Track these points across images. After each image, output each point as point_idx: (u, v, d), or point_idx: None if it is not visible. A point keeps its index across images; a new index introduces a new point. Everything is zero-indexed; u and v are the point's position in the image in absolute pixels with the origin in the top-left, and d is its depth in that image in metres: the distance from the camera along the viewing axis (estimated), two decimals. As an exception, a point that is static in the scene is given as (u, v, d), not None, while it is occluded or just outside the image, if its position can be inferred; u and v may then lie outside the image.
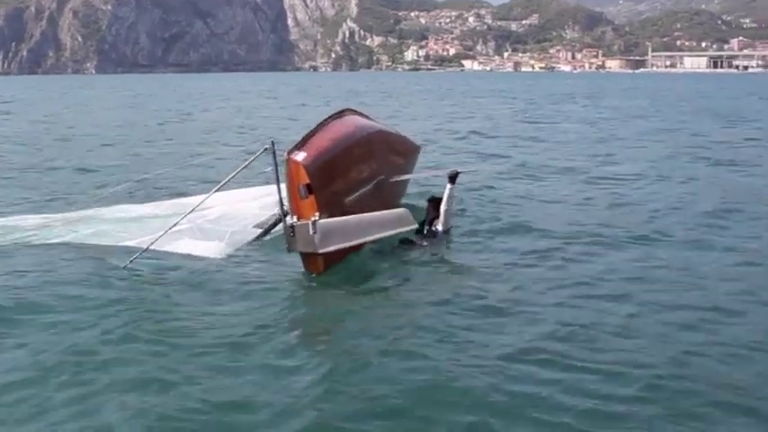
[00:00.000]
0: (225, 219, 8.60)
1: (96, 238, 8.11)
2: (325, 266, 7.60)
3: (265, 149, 7.47)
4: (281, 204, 7.54)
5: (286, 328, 6.06)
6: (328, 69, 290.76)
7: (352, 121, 9.16)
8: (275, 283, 7.37)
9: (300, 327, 6.17)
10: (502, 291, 6.76)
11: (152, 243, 7.59)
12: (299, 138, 7.89)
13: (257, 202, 9.21)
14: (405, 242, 8.54)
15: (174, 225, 7.81)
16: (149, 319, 6.23)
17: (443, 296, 6.63)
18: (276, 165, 7.44)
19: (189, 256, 7.68)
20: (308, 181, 7.45)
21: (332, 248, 7.42)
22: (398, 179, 9.51)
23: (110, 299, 6.70)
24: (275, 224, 8.06)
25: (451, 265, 7.92)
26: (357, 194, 8.27)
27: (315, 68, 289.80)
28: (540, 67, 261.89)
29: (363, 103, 39.77)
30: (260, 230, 8.26)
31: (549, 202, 11.72)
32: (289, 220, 7.50)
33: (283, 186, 7.43)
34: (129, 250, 7.78)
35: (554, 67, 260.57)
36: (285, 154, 7.43)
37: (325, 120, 8.55)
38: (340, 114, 9.02)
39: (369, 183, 8.66)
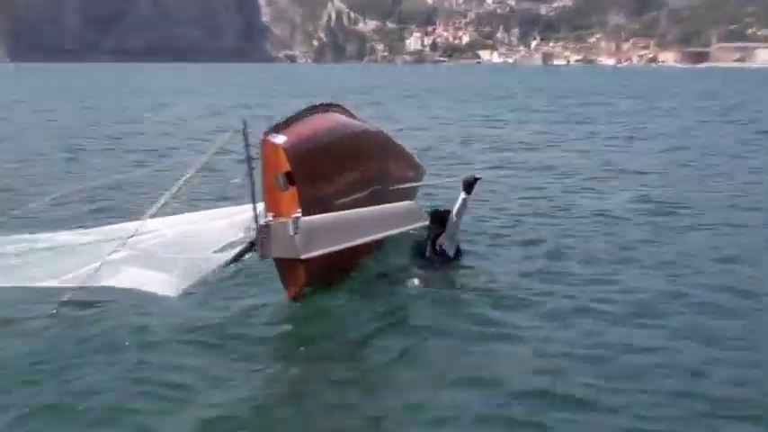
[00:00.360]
0: (181, 243, 8.40)
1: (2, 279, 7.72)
2: (308, 281, 7.56)
3: (236, 131, 7.37)
4: (254, 202, 7.36)
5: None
6: (309, 60, 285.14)
7: (339, 118, 9.22)
8: (244, 329, 7.10)
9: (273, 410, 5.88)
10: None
11: (83, 280, 7.39)
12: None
13: (225, 222, 8.88)
14: (402, 273, 8.41)
15: (112, 253, 7.68)
16: (78, 392, 6.02)
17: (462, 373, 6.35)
18: (249, 151, 7.28)
19: (131, 294, 7.45)
20: (288, 168, 7.42)
21: (317, 253, 7.39)
22: (399, 187, 9.59)
23: (26, 365, 6.49)
24: (251, 246, 7.72)
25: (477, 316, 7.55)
26: (348, 200, 8.26)
27: (292, 59, 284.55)
28: (577, 60, 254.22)
29: (378, 108, 37.30)
30: (229, 256, 7.92)
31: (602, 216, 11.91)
32: (261, 219, 7.44)
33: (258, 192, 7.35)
34: (48, 292, 7.55)
35: (593, 60, 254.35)
36: (261, 135, 7.39)
37: (307, 110, 8.52)
38: (325, 108, 9.08)
39: (362, 191, 8.68)
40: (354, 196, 8.43)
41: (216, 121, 29.37)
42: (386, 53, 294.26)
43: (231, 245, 8.03)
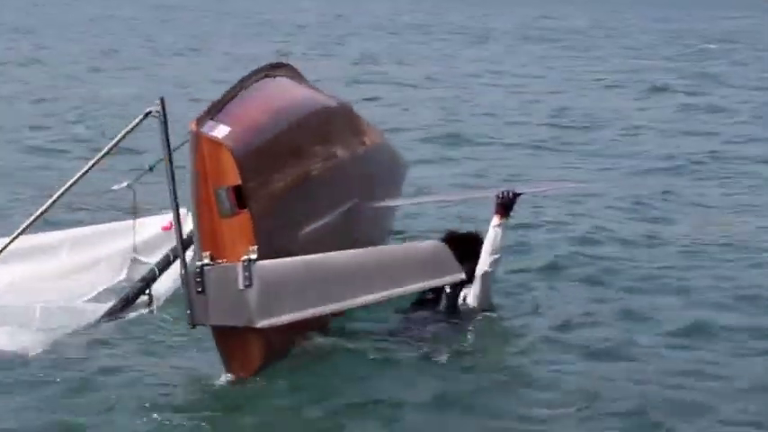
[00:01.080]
0: (38, 283, 7.50)
1: None
2: (266, 359, 5.97)
3: (148, 114, 6.14)
4: (178, 225, 6.02)
5: None
6: None
7: (294, 89, 7.07)
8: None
9: None
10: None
11: None
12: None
13: (111, 247, 7.68)
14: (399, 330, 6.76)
15: None
16: None
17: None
18: (169, 145, 5.98)
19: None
20: (237, 180, 5.72)
21: (283, 320, 5.78)
22: (386, 204, 7.83)
23: None
24: (149, 283, 6.93)
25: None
26: (319, 223, 6.57)
27: None
28: None
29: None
30: (112, 303, 7.01)
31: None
32: (192, 258, 6.01)
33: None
34: None
35: None
36: (191, 125, 5.68)
37: (249, 77, 6.51)
38: (271, 73, 6.85)
39: (335, 208, 6.83)
40: (326, 219, 6.65)
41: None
42: None
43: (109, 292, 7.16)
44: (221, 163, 5.69)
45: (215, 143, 5.64)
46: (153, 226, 7.22)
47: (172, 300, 7.00)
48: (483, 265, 6.69)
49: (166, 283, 7.08)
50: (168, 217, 7.04)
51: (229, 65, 24.12)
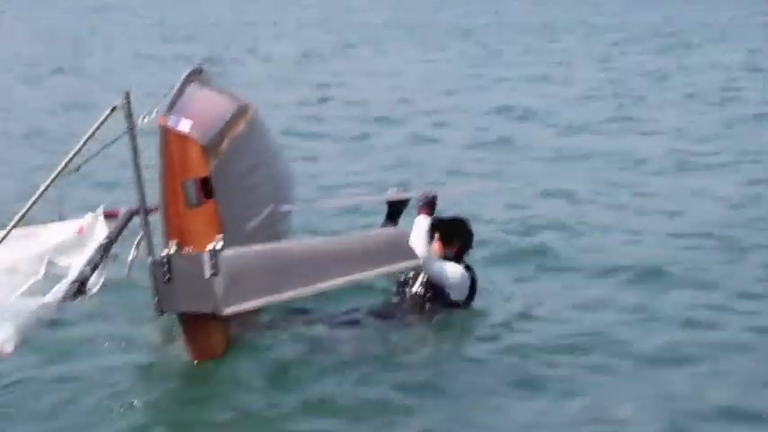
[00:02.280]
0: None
1: None
2: (228, 345, 6.28)
3: (114, 109, 6.10)
4: (144, 212, 6.07)
5: None
6: None
7: (222, 92, 7.18)
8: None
9: None
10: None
11: None
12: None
13: (27, 250, 7.42)
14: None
15: None
16: None
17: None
18: (135, 139, 5.97)
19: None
20: (205, 172, 5.97)
21: (248, 306, 5.99)
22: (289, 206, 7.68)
23: None
24: (97, 263, 6.58)
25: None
26: (258, 219, 6.78)
27: None
28: None
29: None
30: (63, 287, 6.70)
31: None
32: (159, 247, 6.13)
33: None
34: None
35: None
36: (160, 120, 5.93)
37: (187, 78, 6.60)
38: (197, 78, 6.86)
39: (263, 208, 6.96)
40: (261, 217, 6.84)
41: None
42: None
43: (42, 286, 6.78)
44: (189, 155, 5.90)
45: (183, 137, 5.84)
46: (68, 229, 7.24)
47: (103, 290, 7.04)
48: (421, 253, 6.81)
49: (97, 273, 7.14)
50: (80, 221, 7.33)
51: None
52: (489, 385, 6.12)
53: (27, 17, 43.96)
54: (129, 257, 7.22)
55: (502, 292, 7.70)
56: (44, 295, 6.79)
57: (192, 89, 6.49)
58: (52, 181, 6.57)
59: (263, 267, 6.04)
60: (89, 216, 7.38)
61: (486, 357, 6.52)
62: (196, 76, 6.83)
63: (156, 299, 5.89)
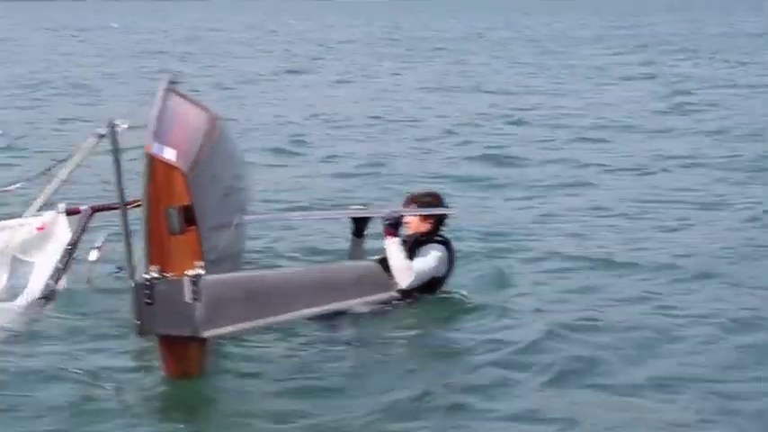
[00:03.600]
0: None
1: None
2: (204, 364, 6.49)
3: (101, 136, 6.80)
4: (127, 241, 6.32)
5: None
6: None
7: (194, 105, 7.67)
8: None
9: None
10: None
11: None
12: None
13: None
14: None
15: None
16: None
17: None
18: (120, 166, 6.32)
19: None
20: (187, 200, 6.18)
21: (226, 331, 6.33)
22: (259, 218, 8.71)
23: None
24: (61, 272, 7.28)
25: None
26: (227, 239, 7.17)
27: None
28: None
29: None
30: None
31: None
32: (140, 271, 6.31)
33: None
34: None
35: None
36: (147, 148, 6.10)
37: (164, 97, 6.95)
38: (171, 88, 7.31)
39: (233, 218, 7.41)
40: (229, 230, 7.25)
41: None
42: None
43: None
44: (173, 184, 6.09)
45: (168, 165, 6.03)
46: (30, 226, 7.47)
47: (69, 298, 7.40)
48: (400, 281, 7.15)
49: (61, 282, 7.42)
50: (41, 219, 7.68)
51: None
52: (472, 383, 6.25)
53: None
54: (90, 258, 7.61)
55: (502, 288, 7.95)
56: (10, 300, 7.18)
57: (169, 105, 6.77)
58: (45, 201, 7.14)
59: (242, 294, 6.30)
60: (50, 213, 7.67)
61: (473, 354, 6.69)
62: (172, 88, 7.08)
63: (138, 321, 6.10)
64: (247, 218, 7.86)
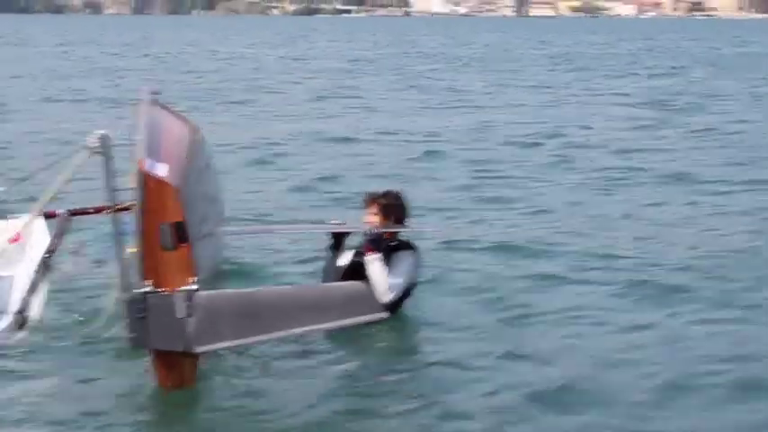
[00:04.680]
0: None
1: None
2: (194, 377, 6.75)
3: (92, 150, 6.69)
4: (119, 253, 6.53)
5: None
6: (126, 11, 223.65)
7: (170, 115, 8.19)
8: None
9: None
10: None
11: None
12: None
13: None
14: None
15: None
16: None
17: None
18: (112, 181, 6.60)
19: None
20: (181, 217, 6.41)
21: (218, 346, 6.58)
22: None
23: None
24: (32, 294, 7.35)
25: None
26: (210, 249, 7.68)
27: (96, 7, 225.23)
28: (575, 9, 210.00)
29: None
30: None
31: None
32: (132, 286, 6.54)
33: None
34: None
35: (598, 9, 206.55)
36: (140, 164, 6.30)
37: (151, 111, 7.45)
38: (154, 101, 7.79)
39: (216, 228, 8.09)
40: (208, 235, 7.67)
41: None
42: None
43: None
44: (166, 200, 6.35)
45: (160, 181, 6.28)
46: (3, 236, 7.60)
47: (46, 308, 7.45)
48: (382, 297, 7.34)
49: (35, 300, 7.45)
50: (13, 228, 7.69)
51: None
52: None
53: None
54: (66, 267, 7.64)
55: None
56: None
57: (155, 118, 7.24)
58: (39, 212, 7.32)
59: (234, 311, 6.62)
60: (26, 217, 7.76)
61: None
62: (154, 100, 7.55)
63: (131, 335, 6.36)
64: (229, 230, 8.65)
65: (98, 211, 8.13)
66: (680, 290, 8.84)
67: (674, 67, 43.48)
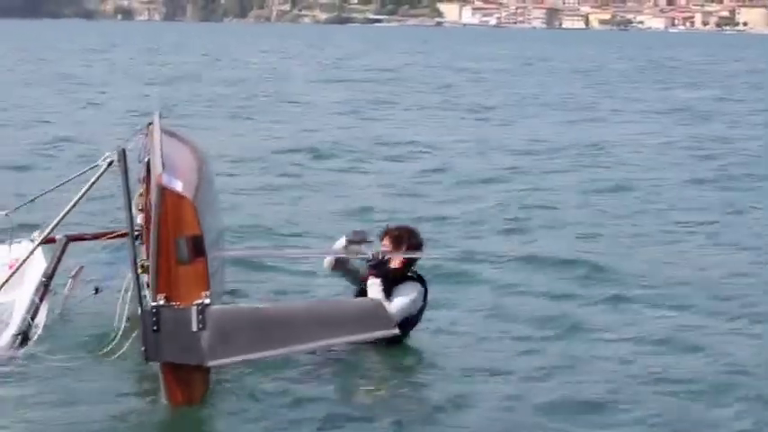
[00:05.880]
0: None
1: None
2: (206, 390, 6.53)
3: (110, 163, 6.84)
4: (134, 266, 6.60)
5: None
6: (157, 16, 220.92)
7: (181, 136, 8.23)
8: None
9: None
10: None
11: None
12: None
13: None
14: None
15: None
16: None
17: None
18: (129, 195, 6.65)
19: None
20: (197, 231, 6.22)
21: (231, 361, 6.43)
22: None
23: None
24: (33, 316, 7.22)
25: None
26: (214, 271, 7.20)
27: (127, 14, 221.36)
28: (603, 21, 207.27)
29: None
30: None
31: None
32: (147, 299, 6.36)
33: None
34: None
35: (629, 21, 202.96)
36: (159, 179, 6.22)
37: (164, 131, 7.35)
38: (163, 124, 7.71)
39: (217, 244, 7.74)
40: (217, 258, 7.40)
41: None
42: (285, 6, 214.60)
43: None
44: (183, 214, 6.15)
45: (179, 195, 6.15)
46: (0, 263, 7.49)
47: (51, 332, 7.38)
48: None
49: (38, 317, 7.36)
50: (12, 254, 7.70)
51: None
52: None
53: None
54: (65, 291, 7.63)
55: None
56: None
57: (167, 137, 7.07)
58: (52, 229, 7.24)
59: (248, 325, 6.41)
60: (25, 243, 7.73)
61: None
62: (163, 124, 7.34)
63: (144, 348, 6.15)
64: (239, 252, 8.37)
65: (96, 237, 8.12)
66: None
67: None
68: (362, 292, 7.67)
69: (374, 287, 7.48)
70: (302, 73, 45.80)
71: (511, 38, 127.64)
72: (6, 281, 7.45)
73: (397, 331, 6.93)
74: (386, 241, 7.70)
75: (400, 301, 7.48)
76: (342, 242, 7.68)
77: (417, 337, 7.61)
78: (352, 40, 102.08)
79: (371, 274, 7.51)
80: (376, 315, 6.76)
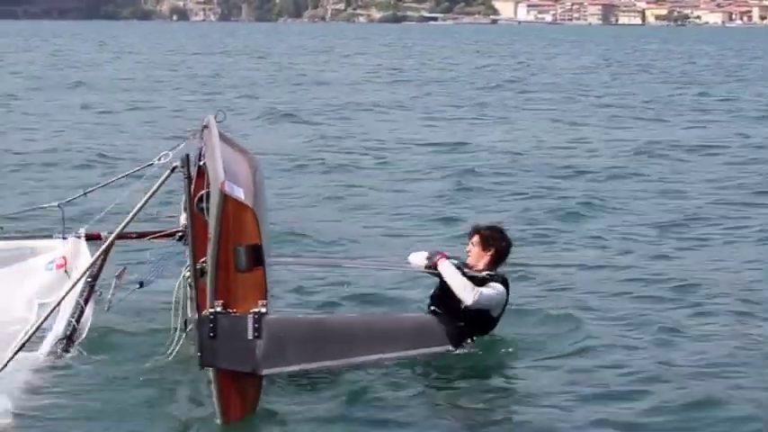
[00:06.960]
0: None
1: None
2: (257, 401, 6.44)
3: (173, 169, 6.77)
4: (195, 277, 6.51)
5: None
6: (213, 17, 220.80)
7: (234, 141, 7.91)
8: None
9: None
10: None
11: None
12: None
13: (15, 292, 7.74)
14: None
15: None
16: None
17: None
18: (192, 203, 6.60)
19: None
20: (257, 240, 6.14)
21: (285, 370, 6.49)
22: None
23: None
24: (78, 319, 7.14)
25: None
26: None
27: (182, 14, 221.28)
28: (659, 17, 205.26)
29: None
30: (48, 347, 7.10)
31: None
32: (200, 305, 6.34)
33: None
34: None
35: (686, 17, 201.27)
36: (222, 187, 6.09)
37: (222, 138, 7.21)
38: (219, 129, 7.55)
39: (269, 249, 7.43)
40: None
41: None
42: (340, 5, 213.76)
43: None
44: (244, 222, 6.11)
45: (241, 204, 6.11)
46: (40, 264, 7.43)
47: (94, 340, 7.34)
48: (464, 296, 7.07)
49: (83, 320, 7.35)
50: (59, 251, 7.56)
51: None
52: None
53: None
54: (110, 294, 7.52)
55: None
56: (36, 348, 6.97)
57: (224, 144, 6.97)
58: (115, 237, 7.02)
59: (303, 336, 6.50)
60: (71, 240, 7.62)
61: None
62: (220, 130, 7.26)
63: (200, 353, 6.15)
64: (294, 260, 8.30)
65: (141, 236, 7.97)
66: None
67: None
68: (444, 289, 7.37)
69: (448, 267, 7.23)
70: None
71: (581, 34, 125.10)
72: (68, 292, 7.20)
73: (452, 348, 6.97)
74: (475, 239, 7.53)
75: (488, 290, 7.20)
76: (422, 259, 7.48)
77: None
78: (435, 40, 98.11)
79: (441, 256, 7.31)
80: (433, 330, 6.85)
